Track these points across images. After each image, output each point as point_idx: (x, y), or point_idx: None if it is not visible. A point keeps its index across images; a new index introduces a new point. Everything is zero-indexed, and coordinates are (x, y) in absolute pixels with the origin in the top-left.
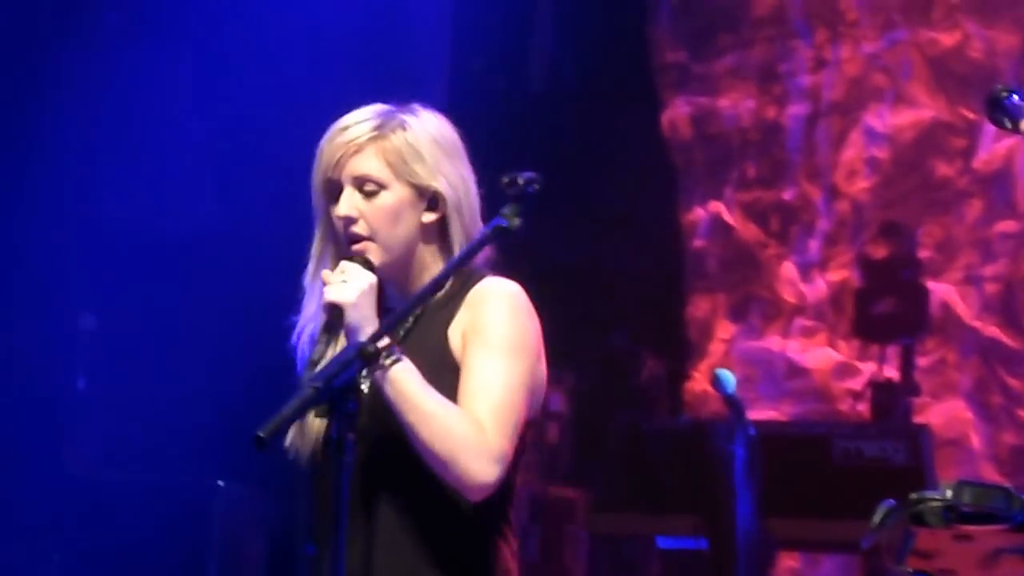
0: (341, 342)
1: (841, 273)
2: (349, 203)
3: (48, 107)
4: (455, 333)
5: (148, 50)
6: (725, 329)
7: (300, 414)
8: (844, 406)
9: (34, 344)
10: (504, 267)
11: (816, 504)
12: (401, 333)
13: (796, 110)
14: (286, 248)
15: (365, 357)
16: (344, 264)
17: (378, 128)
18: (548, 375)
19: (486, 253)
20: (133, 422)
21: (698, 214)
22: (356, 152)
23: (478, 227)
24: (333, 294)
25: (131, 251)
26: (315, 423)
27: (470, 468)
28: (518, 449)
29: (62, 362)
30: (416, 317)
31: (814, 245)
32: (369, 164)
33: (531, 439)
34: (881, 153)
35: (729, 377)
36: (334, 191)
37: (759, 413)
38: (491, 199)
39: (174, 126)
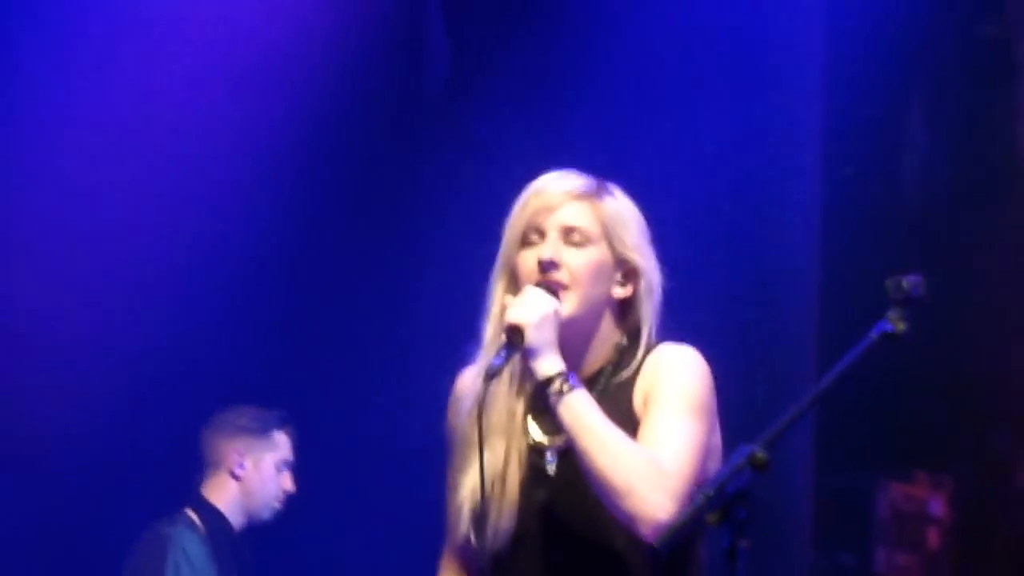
0: (516, 363)
1: None
2: (555, 248)
3: (421, 213)
4: (638, 399)
5: (511, 166)
6: None
7: (693, 521)
8: None
9: (425, 453)
10: (883, 369)
11: None
12: None
13: None
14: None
15: (755, 465)
16: (529, 288)
17: (594, 188)
18: (927, 479)
19: (658, 323)
20: None
21: None
22: (571, 202)
23: (658, 317)
24: (515, 315)
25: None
26: (502, 520)
27: (648, 500)
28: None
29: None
30: (599, 393)
31: None
32: (583, 217)
33: None
34: None
35: None
36: (531, 238)
37: None
38: (871, 303)
39: None
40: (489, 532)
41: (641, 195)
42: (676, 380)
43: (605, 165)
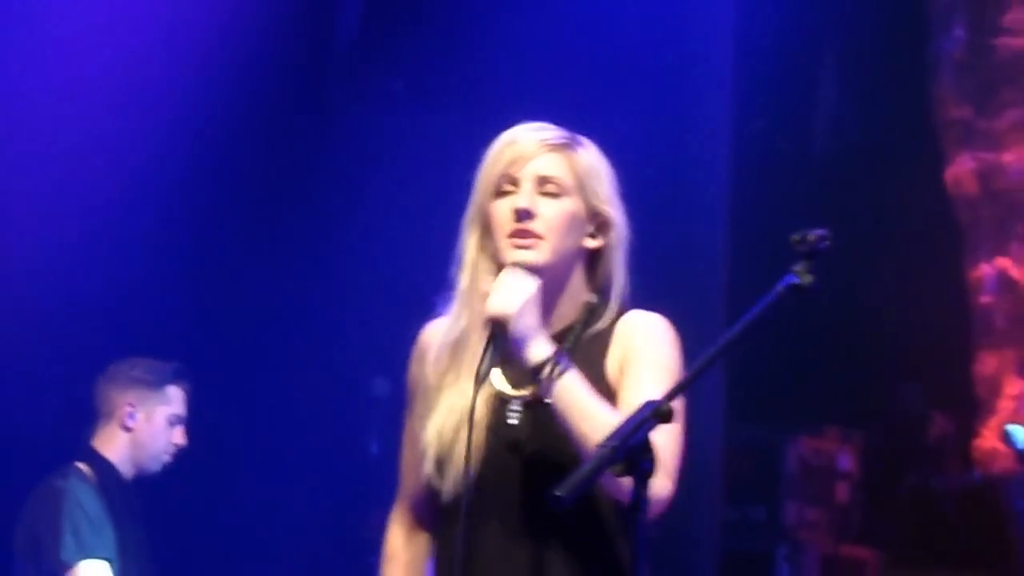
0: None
1: None
2: (530, 198)
3: (333, 171)
4: (612, 364)
5: (426, 119)
6: (1014, 385)
7: (598, 473)
8: None
9: (329, 410)
10: (792, 324)
11: None
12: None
13: None
14: None
15: (660, 416)
16: (504, 273)
17: (568, 140)
18: (836, 433)
19: (627, 288)
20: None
21: (984, 270)
22: (547, 153)
23: (625, 272)
24: (495, 306)
25: (418, 318)
26: (458, 463)
27: (651, 483)
28: None
29: (357, 427)
30: (569, 349)
31: None
32: (558, 167)
33: None
34: None
35: (1021, 433)
36: (505, 188)
37: None
38: (778, 257)
39: (453, 197)
40: (453, 475)
41: None
42: (655, 351)
43: (518, 118)
